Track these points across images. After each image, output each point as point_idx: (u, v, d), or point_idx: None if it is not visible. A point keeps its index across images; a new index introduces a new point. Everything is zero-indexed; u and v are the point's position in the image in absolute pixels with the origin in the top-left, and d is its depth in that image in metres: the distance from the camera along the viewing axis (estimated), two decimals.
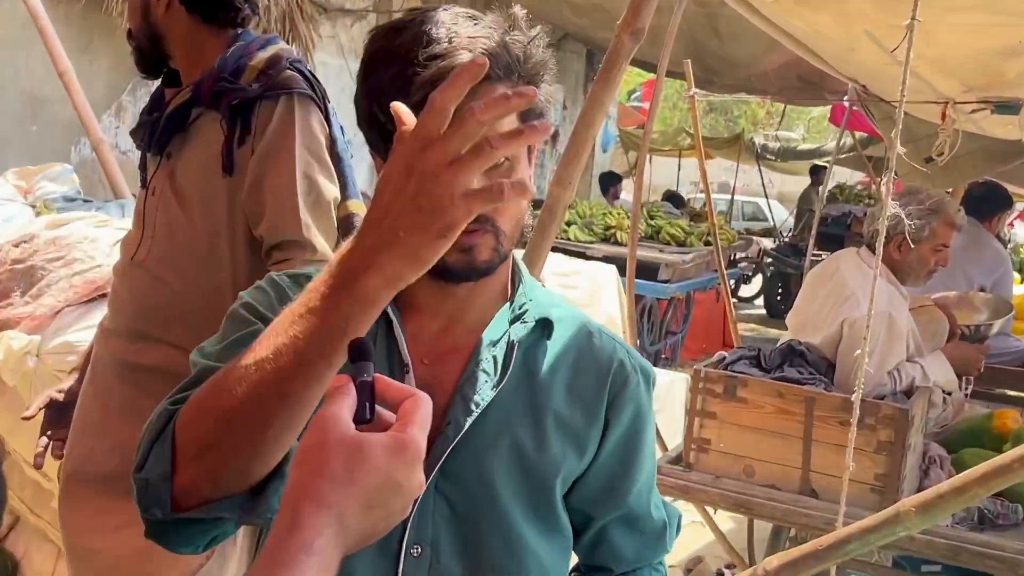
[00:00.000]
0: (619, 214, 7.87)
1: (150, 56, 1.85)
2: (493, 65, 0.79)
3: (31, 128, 5.30)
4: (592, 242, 7.33)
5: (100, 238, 2.72)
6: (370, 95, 0.86)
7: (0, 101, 5.16)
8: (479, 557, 0.96)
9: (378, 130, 0.86)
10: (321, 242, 1.77)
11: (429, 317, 0.96)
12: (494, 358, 0.95)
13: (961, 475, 1.86)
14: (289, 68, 1.77)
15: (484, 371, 0.94)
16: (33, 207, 2.95)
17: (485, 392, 0.93)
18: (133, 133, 1.95)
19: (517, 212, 0.95)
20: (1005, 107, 3.70)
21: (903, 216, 2.72)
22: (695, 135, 4.40)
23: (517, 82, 0.89)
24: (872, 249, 2.75)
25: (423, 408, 0.58)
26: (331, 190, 1.83)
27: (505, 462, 0.95)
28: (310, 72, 1.83)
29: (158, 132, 1.81)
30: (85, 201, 3.23)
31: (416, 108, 0.66)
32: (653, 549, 1.12)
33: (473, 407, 0.91)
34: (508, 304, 1.00)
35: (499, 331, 0.97)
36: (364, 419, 0.57)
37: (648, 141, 4.14)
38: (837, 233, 7.89)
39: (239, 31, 1.85)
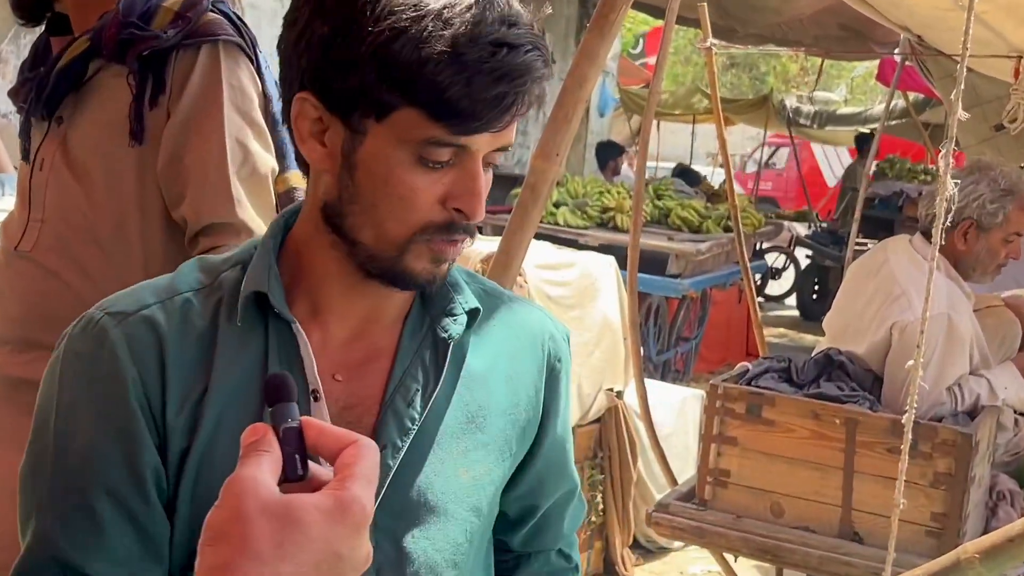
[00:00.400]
0: (619, 193, 6.85)
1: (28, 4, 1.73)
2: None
3: None
4: (586, 227, 6.45)
5: None
6: (384, 56, 0.73)
7: None
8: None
9: (368, 96, 0.75)
10: (259, 223, 1.61)
11: (336, 322, 0.87)
12: (422, 360, 0.90)
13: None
14: (212, 10, 1.64)
15: (412, 377, 0.88)
16: None
17: (418, 403, 0.88)
18: (13, 93, 1.81)
19: None
20: None
21: (971, 198, 2.57)
22: (712, 96, 3.97)
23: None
24: (928, 237, 2.56)
25: (367, 458, 0.52)
26: (268, 160, 1.68)
27: (452, 480, 0.91)
28: (237, 15, 1.70)
29: (46, 92, 1.66)
30: None
31: (450, 93, 0.72)
32: (580, 511, 1.12)
33: (408, 423, 0.86)
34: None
35: (421, 325, 0.91)
36: (296, 476, 0.51)
37: (655, 103, 3.58)
38: (886, 217, 7.00)
39: None
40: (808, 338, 7.87)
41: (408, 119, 0.74)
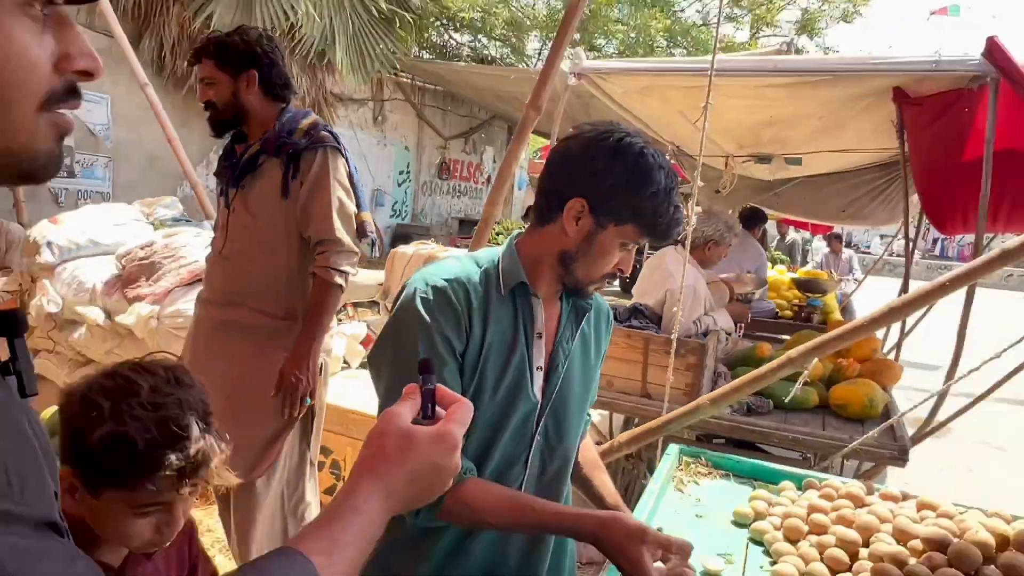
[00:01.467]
0: None
1: (228, 122, 2.18)
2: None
3: (151, 175, 6.67)
4: None
5: (196, 244, 3.28)
6: (635, 202, 1.20)
7: (130, 158, 6.66)
8: (565, 434, 1.36)
9: (619, 214, 1.20)
10: (347, 239, 2.17)
11: (546, 301, 1.31)
12: (572, 321, 1.34)
13: (734, 382, 2.41)
14: (324, 130, 2.17)
15: (568, 329, 1.34)
16: (152, 225, 3.53)
17: (568, 343, 1.33)
18: (217, 174, 2.32)
19: None
20: (762, 159, 4.73)
21: (706, 228, 3.50)
22: None
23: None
24: (688, 249, 3.00)
25: (464, 410, 0.72)
26: (351, 206, 2.22)
27: (579, 391, 1.36)
28: (334, 133, 2.24)
29: (238, 172, 2.17)
30: (186, 221, 3.75)
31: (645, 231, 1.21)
32: None
33: (564, 353, 1.31)
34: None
35: (570, 303, 1.35)
36: (427, 416, 0.73)
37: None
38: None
39: (285, 106, 2.22)
40: (625, 300, 9.91)
41: (629, 229, 1.20)
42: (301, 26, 6.43)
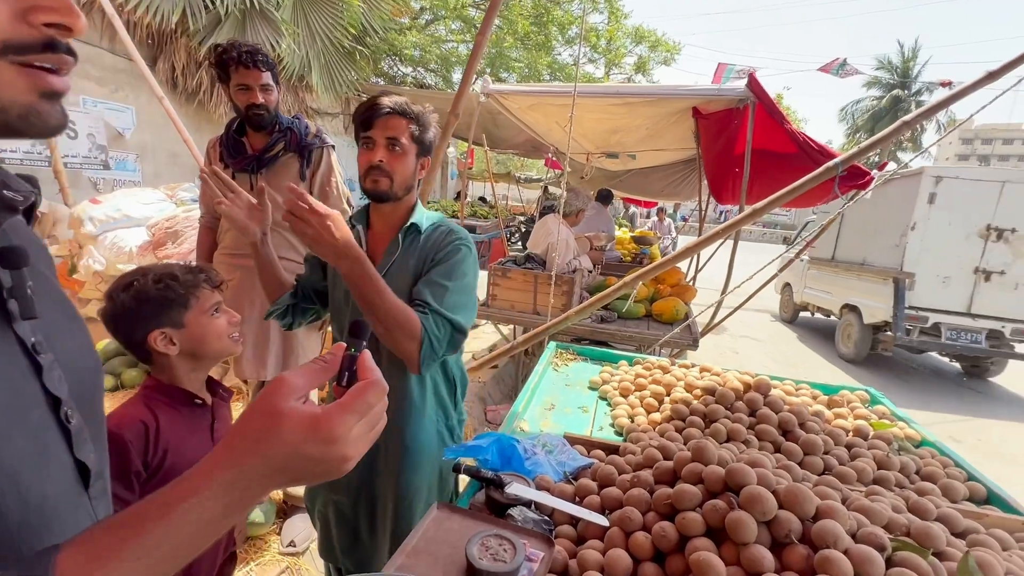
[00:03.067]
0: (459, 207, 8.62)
1: (268, 121, 1.88)
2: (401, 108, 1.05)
3: (172, 168, 5.95)
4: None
5: None
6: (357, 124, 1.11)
7: (155, 155, 5.87)
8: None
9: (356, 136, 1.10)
10: (345, 208, 2.03)
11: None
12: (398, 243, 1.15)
13: (589, 300, 2.63)
14: (323, 134, 2.01)
15: (391, 251, 1.15)
16: (175, 203, 3.25)
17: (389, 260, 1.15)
18: (236, 164, 1.92)
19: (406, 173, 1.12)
20: (611, 155, 4.85)
21: (572, 200, 3.62)
22: (489, 172, 5.02)
23: (412, 118, 1.10)
24: (562, 215, 3.59)
25: (367, 394, 0.41)
26: (345, 188, 2.08)
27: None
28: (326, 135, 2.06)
29: (258, 163, 1.91)
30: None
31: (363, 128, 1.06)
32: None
33: (384, 267, 1.14)
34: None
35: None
36: (341, 383, 0.44)
37: (466, 175, 4.87)
38: (545, 211, 8.90)
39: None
40: (523, 253, 10.23)
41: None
42: (284, 56, 5.90)
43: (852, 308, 5.41)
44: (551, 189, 8.86)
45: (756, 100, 3.00)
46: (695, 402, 1.44)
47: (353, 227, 1.19)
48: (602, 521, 0.86)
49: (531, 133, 4.49)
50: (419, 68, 11.26)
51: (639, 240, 5.93)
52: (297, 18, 6.01)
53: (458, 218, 8.72)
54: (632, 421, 1.47)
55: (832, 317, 6.07)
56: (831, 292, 5.98)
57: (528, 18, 10.95)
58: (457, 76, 11.82)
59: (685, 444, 1.21)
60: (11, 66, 0.36)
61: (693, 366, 1.84)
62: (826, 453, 1.20)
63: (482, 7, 11.63)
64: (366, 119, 1.09)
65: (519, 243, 11.16)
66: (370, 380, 0.43)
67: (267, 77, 1.81)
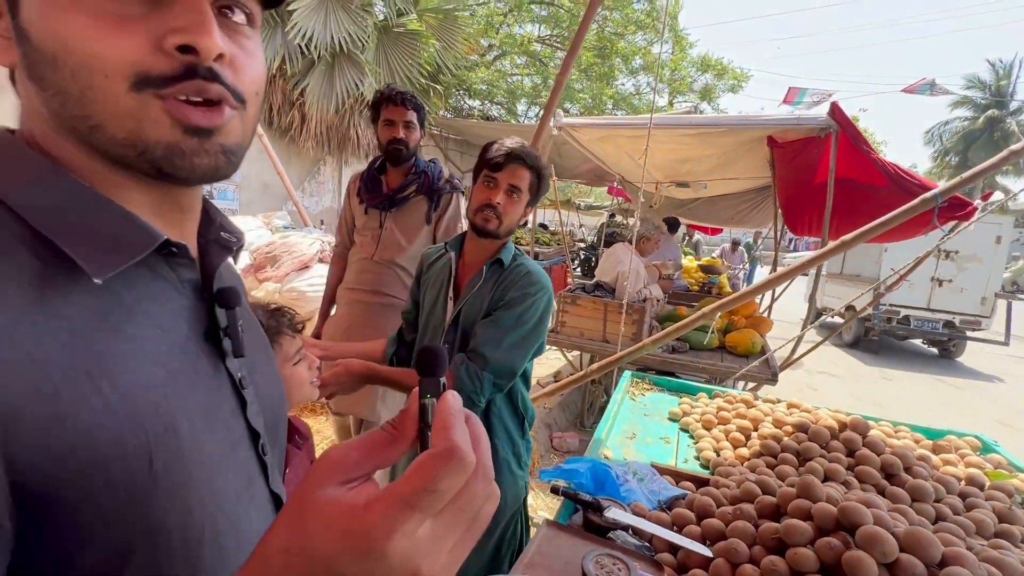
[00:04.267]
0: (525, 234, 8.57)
1: (406, 157, 1.90)
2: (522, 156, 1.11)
3: (264, 197, 6.51)
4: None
5: (303, 243, 3.22)
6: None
7: (250, 185, 6.42)
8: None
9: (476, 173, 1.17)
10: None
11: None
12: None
13: (665, 330, 2.48)
14: (454, 179, 2.02)
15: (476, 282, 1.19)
16: (270, 230, 3.49)
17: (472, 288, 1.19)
18: (371, 200, 1.94)
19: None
20: (681, 184, 4.80)
21: (644, 228, 3.64)
22: (555, 199, 5.06)
23: (536, 172, 1.15)
24: (630, 243, 3.51)
25: (432, 473, 0.25)
26: (464, 227, 1.91)
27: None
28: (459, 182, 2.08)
29: (391, 201, 1.92)
30: (292, 228, 3.71)
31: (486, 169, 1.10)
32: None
33: (466, 294, 1.17)
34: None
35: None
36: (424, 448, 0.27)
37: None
38: (611, 239, 8.37)
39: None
40: (589, 281, 10.04)
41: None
42: (366, 93, 6.37)
43: (850, 307, 7.13)
44: (617, 217, 8.80)
45: (839, 129, 2.91)
46: (786, 439, 1.40)
47: (446, 252, 1.26)
48: (706, 552, 0.87)
49: (599, 163, 4.51)
50: (485, 101, 11.73)
51: (707, 269, 5.79)
52: (379, 59, 6.47)
53: (527, 246, 8.75)
54: (718, 455, 1.44)
55: (838, 317, 7.89)
56: (839, 297, 7.71)
57: (592, 50, 11.18)
58: (521, 108, 12.18)
59: (783, 481, 1.18)
60: (154, 100, 0.33)
61: (779, 401, 1.79)
62: (937, 501, 1.13)
63: (547, 42, 12.02)
64: (497, 163, 1.14)
65: (577, 270, 11.15)
66: (439, 450, 0.26)
67: (411, 116, 1.86)
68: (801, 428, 1.42)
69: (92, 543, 0.30)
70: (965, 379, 6.48)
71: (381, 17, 6.55)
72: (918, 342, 8.21)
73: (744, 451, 1.42)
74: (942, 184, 2.04)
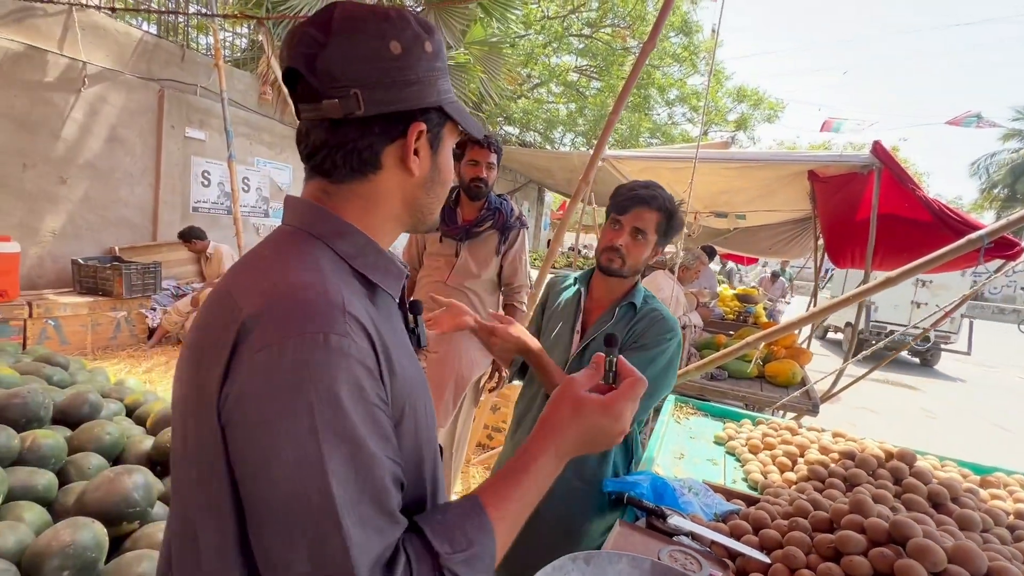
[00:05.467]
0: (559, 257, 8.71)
1: (483, 194, 2.03)
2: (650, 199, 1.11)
3: None
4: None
5: None
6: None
7: None
8: None
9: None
10: (528, 284, 2.18)
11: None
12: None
13: (709, 357, 2.54)
14: (522, 215, 2.15)
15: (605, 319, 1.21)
16: None
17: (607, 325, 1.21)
18: (447, 230, 2.08)
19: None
20: (719, 215, 4.89)
21: (685, 257, 3.77)
22: (594, 224, 5.29)
23: (665, 214, 1.15)
24: (671, 271, 3.50)
25: (637, 386, 0.58)
26: (527, 262, 2.19)
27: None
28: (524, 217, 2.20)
29: (468, 233, 2.06)
30: None
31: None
32: None
33: (595, 331, 1.22)
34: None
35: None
36: (608, 383, 0.60)
37: (564, 225, 4.77)
38: (653, 267, 8.89)
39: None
40: None
41: None
42: None
43: (849, 323, 8.44)
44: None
45: (882, 166, 2.96)
46: (833, 465, 1.44)
47: (575, 284, 1.31)
48: (764, 558, 0.96)
49: None
50: (524, 128, 12.06)
51: (743, 298, 5.77)
52: None
53: (566, 268, 8.92)
54: (766, 478, 1.49)
55: (839, 333, 9.96)
56: (841, 315, 9.12)
57: None
58: (557, 135, 12.44)
59: (832, 502, 1.24)
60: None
61: (823, 431, 1.82)
62: (985, 531, 1.16)
63: (584, 72, 12.32)
64: (624, 206, 1.16)
65: None
66: (636, 378, 0.59)
67: (493, 157, 1.98)
68: (848, 455, 1.46)
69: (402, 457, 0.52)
70: (934, 379, 8.16)
71: None
72: (904, 353, 9.53)
73: (791, 475, 1.46)
74: (989, 222, 2.07)
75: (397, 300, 0.60)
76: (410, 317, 0.65)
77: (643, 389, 0.58)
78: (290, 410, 0.42)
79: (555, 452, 0.55)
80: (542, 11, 11.25)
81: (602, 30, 11.69)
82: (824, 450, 1.58)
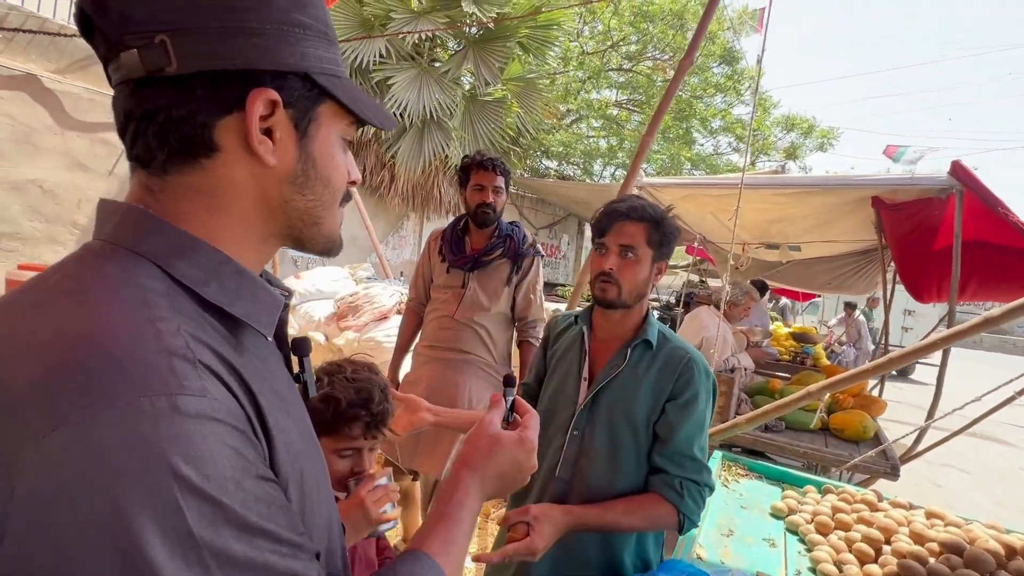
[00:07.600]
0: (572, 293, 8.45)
1: (492, 220, 1.92)
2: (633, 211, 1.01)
3: (351, 249, 7.00)
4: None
5: (384, 294, 3.32)
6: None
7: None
8: (614, 439, 1.05)
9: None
10: (543, 317, 1.98)
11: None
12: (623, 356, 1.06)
13: (767, 406, 2.21)
14: (535, 243, 2.02)
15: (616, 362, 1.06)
16: (355, 281, 3.65)
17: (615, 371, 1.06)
18: (455, 260, 1.97)
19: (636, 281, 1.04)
20: (770, 246, 4.57)
21: (731, 292, 3.34)
22: None
23: (650, 221, 1.03)
24: (717, 307, 3.29)
25: (535, 419, 0.64)
26: (543, 295, 2.05)
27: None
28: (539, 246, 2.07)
29: (476, 262, 1.94)
30: (376, 279, 3.86)
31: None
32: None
33: (605, 378, 1.06)
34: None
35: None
36: (507, 421, 0.65)
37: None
38: (689, 300, 7.79)
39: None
40: None
41: None
42: (451, 156, 6.75)
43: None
44: (692, 277, 8.41)
45: (964, 189, 2.60)
46: (932, 560, 1.14)
47: (576, 323, 1.16)
48: None
49: (680, 223, 4.35)
50: (562, 162, 12.05)
51: (799, 337, 5.30)
52: (465, 125, 6.89)
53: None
54: (840, 571, 1.20)
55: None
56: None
57: (669, 113, 11.26)
58: (597, 167, 12.36)
59: None
60: (339, 209, 0.49)
61: (911, 507, 1.49)
62: None
63: (624, 106, 12.28)
64: (602, 226, 1.06)
65: None
66: (532, 412, 0.65)
67: (500, 181, 1.88)
68: (954, 549, 1.16)
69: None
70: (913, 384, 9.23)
71: (468, 87, 7.03)
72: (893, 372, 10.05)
73: (875, 569, 1.17)
74: None
75: (271, 338, 0.46)
76: (294, 360, 0.52)
77: (539, 422, 0.64)
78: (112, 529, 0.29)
79: (478, 492, 0.56)
80: (581, 47, 11.38)
81: (642, 63, 11.66)
82: (918, 538, 1.27)
